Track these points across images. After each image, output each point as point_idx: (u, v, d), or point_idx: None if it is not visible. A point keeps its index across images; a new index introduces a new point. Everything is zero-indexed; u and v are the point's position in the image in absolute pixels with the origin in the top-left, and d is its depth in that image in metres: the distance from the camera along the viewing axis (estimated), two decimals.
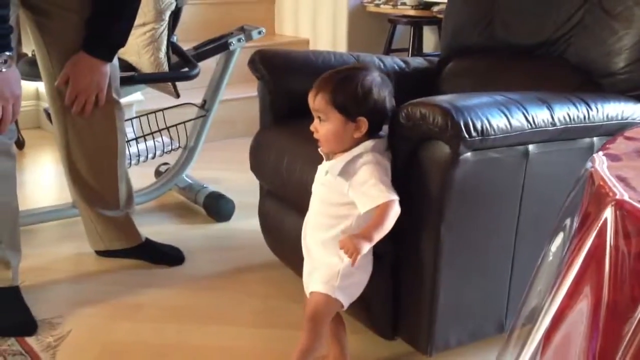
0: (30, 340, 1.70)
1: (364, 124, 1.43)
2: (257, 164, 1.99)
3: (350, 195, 1.42)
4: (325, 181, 1.47)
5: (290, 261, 1.96)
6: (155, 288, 1.99)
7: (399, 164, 1.53)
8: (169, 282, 2.03)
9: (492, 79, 1.97)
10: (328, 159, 1.49)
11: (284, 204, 1.93)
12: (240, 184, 2.64)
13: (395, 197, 1.39)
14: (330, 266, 1.44)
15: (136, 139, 2.53)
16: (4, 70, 1.58)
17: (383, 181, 1.40)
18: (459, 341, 1.58)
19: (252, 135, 2.02)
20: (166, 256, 2.16)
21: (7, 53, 1.57)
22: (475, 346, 1.64)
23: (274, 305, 1.91)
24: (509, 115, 1.47)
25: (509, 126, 1.46)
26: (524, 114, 1.49)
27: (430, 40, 3.84)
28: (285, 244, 1.94)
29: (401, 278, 1.56)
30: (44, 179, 2.97)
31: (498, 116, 1.45)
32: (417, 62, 2.24)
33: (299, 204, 1.83)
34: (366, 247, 1.35)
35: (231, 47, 2.49)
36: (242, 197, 2.52)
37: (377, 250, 1.56)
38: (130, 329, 1.78)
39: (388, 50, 3.61)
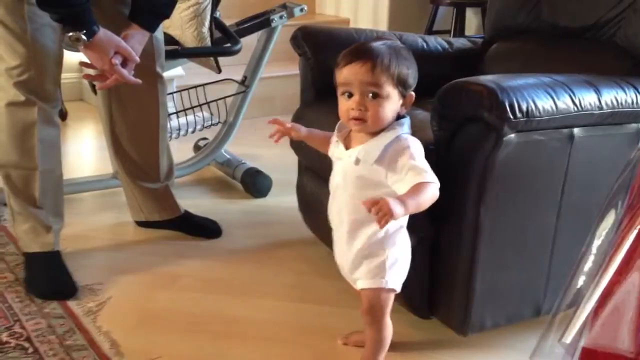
0: (72, 305, 1.74)
1: (412, 98, 1.34)
2: (297, 140, 1.99)
3: (389, 182, 1.31)
4: (357, 171, 1.33)
5: (327, 238, 1.97)
6: (193, 259, 2.02)
7: (439, 144, 1.52)
8: (206, 254, 2.06)
9: (538, 61, 1.94)
10: (347, 143, 1.36)
11: (322, 181, 1.93)
12: (278, 161, 2.65)
13: (437, 181, 1.28)
14: (374, 259, 1.37)
15: (177, 113, 2.56)
16: (81, 47, 1.64)
17: (426, 165, 1.29)
18: (495, 323, 1.58)
19: (291, 113, 2.03)
20: (204, 229, 2.19)
21: (83, 32, 1.63)
22: (511, 328, 1.64)
23: (308, 280, 1.92)
24: (555, 97, 1.45)
25: (554, 108, 1.44)
26: (570, 96, 1.47)
27: (472, 22, 3.79)
28: (322, 221, 1.94)
29: (439, 258, 1.56)
30: (85, 150, 3.03)
31: (544, 97, 1.44)
32: (461, 43, 2.22)
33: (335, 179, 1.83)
34: (400, 212, 1.19)
35: (273, 24, 2.49)
36: (280, 173, 2.53)
37: (416, 229, 1.56)
38: (168, 298, 1.81)
39: (429, 32, 3.57)
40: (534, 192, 1.53)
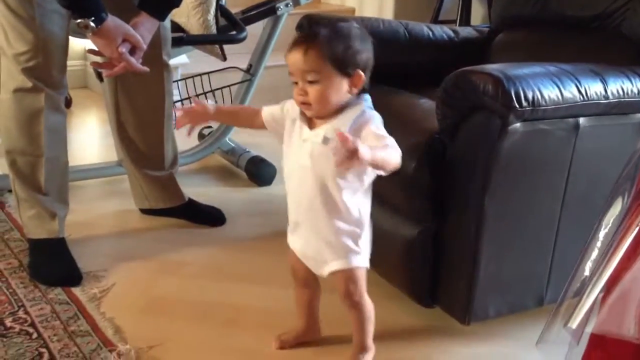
0: (76, 291, 1.75)
1: (360, 77, 1.29)
2: None
3: None
4: (323, 151, 1.28)
5: None
6: (197, 247, 2.02)
7: (444, 133, 1.52)
8: (210, 241, 2.06)
9: (544, 51, 1.93)
10: (310, 124, 1.33)
11: None
12: (282, 150, 2.65)
13: (399, 151, 1.27)
14: (345, 239, 1.35)
15: (181, 100, 2.56)
16: (89, 34, 1.64)
17: (388, 136, 1.28)
18: (498, 312, 1.58)
19: None
20: (208, 217, 2.19)
21: (91, 19, 1.63)
22: (513, 318, 1.64)
23: None
24: (561, 86, 1.44)
25: (560, 97, 1.44)
26: (576, 85, 1.46)
27: (478, 12, 3.77)
28: None
29: (442, 247, 1.56)
30: (89, 138, 3.03)
31: (550, 87, 1.43)
32: (467, 32, 2.21)
33: None
34: (366, 155, 1.15)
35: (278, 12, 2.49)
36: None
37: (420, 218, 1.57)
38: (172, 285, 1.81)
39: (435, 21, 3.55)
40: (539, 182, 1.53)
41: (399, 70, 2.00)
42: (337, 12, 4.03)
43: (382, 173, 1.28)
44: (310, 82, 1.27)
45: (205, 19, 2.29)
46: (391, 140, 1.28)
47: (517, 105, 1.38)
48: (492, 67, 1.48)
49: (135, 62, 1.74)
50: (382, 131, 1.29)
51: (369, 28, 2.01)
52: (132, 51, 1.74)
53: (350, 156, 1.13)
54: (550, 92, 1.42)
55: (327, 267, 1.38)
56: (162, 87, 2.01)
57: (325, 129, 1.30)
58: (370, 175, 1.34)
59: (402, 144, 1.56)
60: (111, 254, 1.96)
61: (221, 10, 2.36)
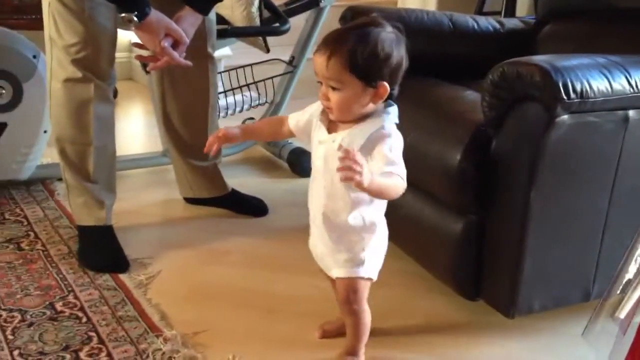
0: (123, 277, 1.79)
1: (385, 89, 1.24)
2: None
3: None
4: (337, 156, 1.20)
5: None
6: (240, 236, 2.05)
7: (490, 125, 1.51)
8: (253, 231, 2.08)
9: (593, 43, 1.90)
10: (331, 127, 1.30)
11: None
12: None
13: (404, 179, 1.24)
14: (351, 247, 1.34)
15: (224, 92, 2.59)
16: (133, 28, 1.68)
17: (399, 160, 1.25)
18: (543, 306, 1.57)
19: None
20: (251, 207, 2.21)
21: (134, 13, 1.66)
22: (558, 312, 1.62)
23: None
24: (610, 78, 1.42)
25: (609, 89, 1.41)
26: (626, 77, 1.44)
27: (524, 2, 3.72)
28: None
29: (487, 240, 1.55)
30: (135, 128, 3.08)
31: (599, 78, 1.41)
32: (513, 23, 2.18)
33: None
34: (367, 182, 1.12)
35: (321, 4, 2.50)
36: None
37: (464, 211, 1.56)
38: (216, 273, 1.84)
39: (479, 13, 3.51)
40: (586, 175, 1.51)
41: (443, 61, 1.99)
42: (379, 3, 4.01)
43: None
44: (333, 88, 1.24)
45: (249, 11, 2.31)
46: (399, 169, 1.23)
47: (565, 97, 1.36)
48: (540, 58, 1.46)
49: (178, 56, 1.76)
50: (395, 155, 1.24)
51: (413, 20, 2.02)
52: (175, 45, 1.76)
53: (351, 176, 1.11)
54: (599, 84, 1.40)
55: (334, 271, 1.38)
56: (207, 79, 2.04)
57: (342, 135, 1.27)
58: None
59: (447, 136, 1.57)
60: (157, 242, 2.00)
61: (265, 2, 2.38)
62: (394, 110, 1.30)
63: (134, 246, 1.93)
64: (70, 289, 1.72)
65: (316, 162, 1.34)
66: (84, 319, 1.59)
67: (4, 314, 1.60)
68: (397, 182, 1.22)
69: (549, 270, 1.53)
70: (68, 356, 1.45)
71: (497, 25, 2.12)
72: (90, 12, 1.72)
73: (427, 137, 1.63)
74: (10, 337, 1.51)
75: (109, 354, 1.47)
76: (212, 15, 1.98)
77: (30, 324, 1.56)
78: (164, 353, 1.47)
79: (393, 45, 1.24)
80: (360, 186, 1.12)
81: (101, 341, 1.51)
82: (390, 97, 1.28)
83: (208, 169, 2.17)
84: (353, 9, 2.02)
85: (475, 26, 2.08)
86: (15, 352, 1.46)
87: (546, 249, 1.51)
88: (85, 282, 1.76)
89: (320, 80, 1.27)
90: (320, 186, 1.33)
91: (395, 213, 1.80)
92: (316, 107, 1.36)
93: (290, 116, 1.43)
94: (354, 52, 1.21)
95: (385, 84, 1.24)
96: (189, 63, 1.80)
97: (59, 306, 1.64)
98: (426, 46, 2.01)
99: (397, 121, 1.30)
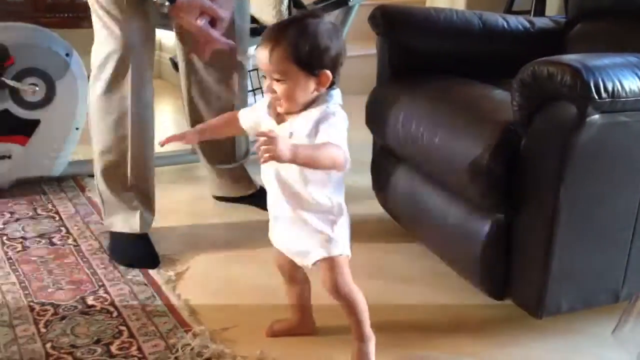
0: (153, 273, 1.81)
1: (326, 77, 1.28)
2: (373, 119, 2.01)
3: None
4: None
5: (401, 217, 1.98)
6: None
7: (520, 124, 1.50)
8: None
9: (624, 42, 1.87)
10: (279, 119, 1.33)
11: (398, 160, 1.94)
12: (353, 140, 2.65)
13: (344, 148, 1.27)
14: (313, 231, 1.36)
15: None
16: (167, 4, 1.67)
17: (340, 134, 1.28)
18: (571, 306, 1.56)
19: (367, 93, 2.03)
20: None
21: None
22: (587, 313, 1.61)
23: (379, 257, 1.93)
24: None
25: None
26: None
27: (553, 1, 3.68)
28: (397, 200, 1.96)
29: (515, 239, 1.54)
30: (164, 126, 3.11)
31: (631, 78, 1.39)
32: (543, 22, 2.17)
33: (414, 160, 1.84)
34: (286, 155, 1.16)
35: (350, 3, 2.50)
36: (355, 152, 2.52)
37: (492, 209, 1.55)
38: (245, 270, 1.86)
39: (508, 12, 3.49)
40: (617, 175, 1.49)
41: (472, 60, 1.99)
42: (408, 2, 4.00)
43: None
44: (277, 80, 1.28)
45: (279, 10, 2.32)
46: (338, 139, 1.26)
47: (596, 97, 1.35)
48: (570, 57, 1.45)
49: (217, 34, 1.75)
50: (333, 129, 1.27)
51: (443, 19, 2.01)
52: (213, 23, 1.75)
53: (270, 152, 1.14)
54: (630, 84, 1.39)
55: (309, 257, 1.38)
56: (236, 85, 2.05)
57: (290, 123, 1.31)
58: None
59: (476, 135, 1.57)
60: (186, 239, 2.02)
61: (294, 1, 2.39)
62: (337, 92, 1.33)
63: (163, 242, 1.96)
64: (100, 283, 1.75)
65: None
66: (115, 314, 1.62)
67: (37, 307, 1.63)
68: (331, 150, 1.24)
69: (577, 270, 1.52)
70: (99, 349, 1.48)
71: (527, 25, 2.11)
72: (129, 18, 1.73)
73: (456, 136, 1.63)
74: (43, 330, 1.55)
75: (139, 348, 1.49)
76: (242, 22, 1.98)
77: (63, 318, 1.59)
78: (193, 348, 1.49)
79: (332, 35, 1.29)
80: (281, 158, 1.15)
81: (131, 335, 1.54)
82: (332, 84, 1.31)
83: (235, 171, 2.19)
84: (383, 8, 2.02)
85: (505, 25, 2.07)
86: (48, 345, 1.49)
87: (575, 249, 1.50)
88: (115, 277, 1.79)
89: (264, 75, 1.31)
90: (274, 177, 1.35)
91: (422, 212, 1.82)
92: (264, 101, 1.38)
93: (239, 113, 1.46)
94: (295, 44, 1.25)
95: (327, 72, 1.28)
96: (230, 42, 1.79)
97: (90, 300, 1.67)
98: (455, 45, 2.01)
99: (341, 102, 1.33)
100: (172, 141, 1.45)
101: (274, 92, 1.29)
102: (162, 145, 1.45)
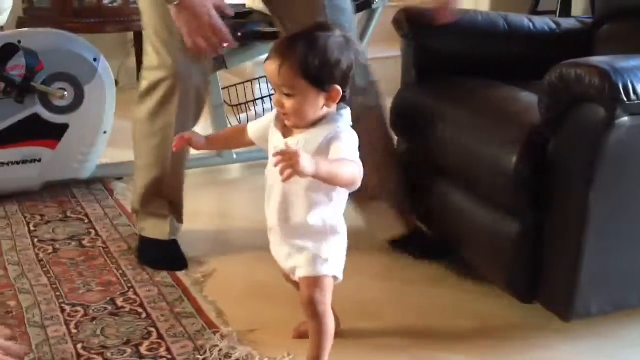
0: (181, 275, 1.83)
1: (337, 92, 1.26)
2: (398, 121, 2.01)
3: None
4: None
5: (426, 218, 1.98)
6: None
7: (547, 127, 1.50)
8: None
9: None
10: (286, 132, 1.32)
11: (423, 163, 1.94)
12: None
13: (360, 166, 1.25)
14: (311, 247, 1.33)
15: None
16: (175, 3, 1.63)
17: (353, 152, 1.27)
18: (601, 310, 1.54)
19: (392, 95, 2.04)
20: None
21: None
22: (617, 316, 1.60)
23: (402, 260, 1.94)
24: None
25: None
26: None
27: (579, 2, 3.66)
28: (423, 202, 1.96)
29: (544, 242, 1.53)
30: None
31: None
32: (569, 23, 2.15)
33: (439, 163, 1.84)
34: (308, 169, 1.12)
35: (374, 5, 2.51)
36: None
37: (520, 212, 1.55)
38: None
39: (533, 12, 3.47)
40: None
41: (498, 62, 1.98)
42: (432, 4, 3.98)
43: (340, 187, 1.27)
44: (287, 95, 1.26)
45: None
46: (353, 155, 1.26)
47: (625, 99, 1.35)
48: (599, 59, 1.44)
49: (228, 34, 1.70)
50: (347, 146, 1.26)
51: (467, 21, 2.01)
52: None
53: (292, 167, 1.11)
54: None
55: (297, 270, 1.36)
56: None
57: (297, 139, 1.29)
58: (341, 193, 1.33)
59: (503, 137, 1.57)
60: (213, 241, 2.05)
61: None
62: (346, 112, 1.32)
63: (190, 244, 1.97)
64: (130, 285, 1.77)
65: (270, 167, 1.33)
66: (144, 315, 1.64)
67: (67, 308, 1.66)
68: (349, 167, 1.23)
69: (607, 273, 1.51)
70: (129, 350, 1.50)
71: (554, 26, 2.09)
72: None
73: (483, 138, 1.63)
74: (74, 331, 1.57)
75: (168, 349, 1.51)
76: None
77: (93, 319, 1.62)
78: (221, 350, 1.50)
79: (342, 49, 1.27)
80: (303, 173, 1.12)
81: (160, 336, 1.55)
82: (343, 99, 1.30)
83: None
84: (407, 10, 2.02)
85: (531, 26, 2.06)
86: (79, 346, 1.52)
87: (605, 252, 1.49)
88: (144, 278, 1.81)
89: (273, 88, 1.29)
90: (278, 191, 1.33)
91: (448, 214, 1.81)
92: (272, 114, 1.37)
93: (249, 125, 1.45)
94: (305, 58, 1.23)
95: (337, 87, 1.26)
96: (234, 43, 1.76)
97: (119, 302, 1.69)
98: (481, 47, 2.00)
99: (351, 123, 1.32)
100: (182, 143, 1.44)
101: (282, 106, 1.27)
102: (176, 149, 1.45)
